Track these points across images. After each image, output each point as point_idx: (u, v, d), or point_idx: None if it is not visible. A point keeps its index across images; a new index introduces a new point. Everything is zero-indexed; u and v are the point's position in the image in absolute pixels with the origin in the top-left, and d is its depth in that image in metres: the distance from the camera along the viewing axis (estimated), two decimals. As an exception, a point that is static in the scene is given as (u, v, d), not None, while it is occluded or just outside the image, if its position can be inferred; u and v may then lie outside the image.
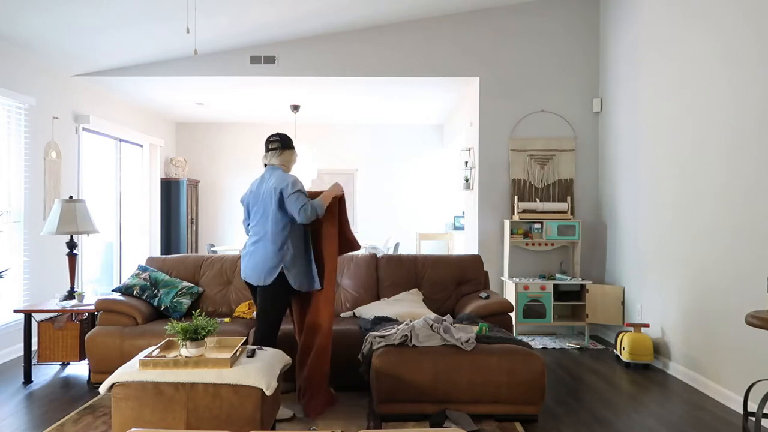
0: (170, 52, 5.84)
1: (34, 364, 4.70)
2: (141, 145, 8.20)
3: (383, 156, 9.55)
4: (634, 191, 5.21)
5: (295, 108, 7.83)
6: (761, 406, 2.56)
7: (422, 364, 3.39)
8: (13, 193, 5.17)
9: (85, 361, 4.60)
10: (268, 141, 3.68)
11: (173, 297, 4.43)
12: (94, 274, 6.86)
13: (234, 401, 2.74)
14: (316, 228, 3.72)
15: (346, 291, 4.71)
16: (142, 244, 8.18)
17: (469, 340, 3.49)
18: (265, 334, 3.53)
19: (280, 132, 3.79)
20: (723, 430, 3.39)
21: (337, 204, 3.70)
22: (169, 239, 8.70)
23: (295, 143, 7.96)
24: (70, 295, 4.53)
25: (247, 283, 3.67)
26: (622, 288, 5.44)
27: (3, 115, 5.06)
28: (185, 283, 4.57)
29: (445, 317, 3.85)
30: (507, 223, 5.84)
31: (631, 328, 4.98)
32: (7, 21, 4.55)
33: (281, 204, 3.49)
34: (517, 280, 5.67)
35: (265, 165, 3.70)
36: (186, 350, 2.85)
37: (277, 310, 3.54)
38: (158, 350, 2.98)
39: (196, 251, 9.29)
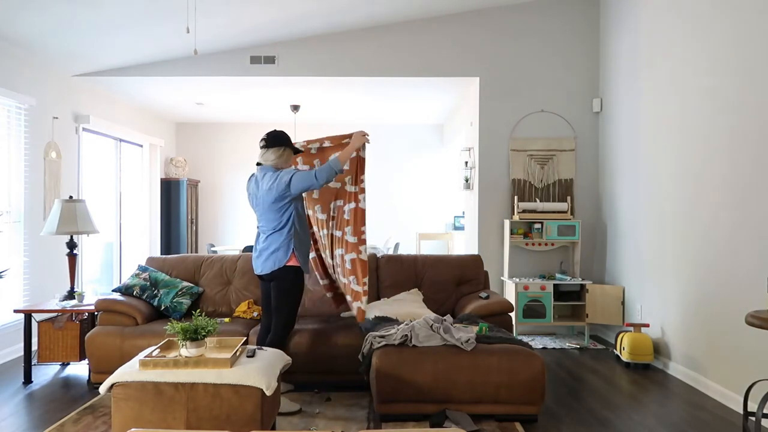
0: (170, 52, 5.84)
1: (34, 364, 4.69)
2: (141, 145, 8.20)
3: (383, 156, 9.54)
4: (634, 191, 5.21)
5: (295, 108, 7.83)
6: (761, 406, 2.56)
7: (422, 364, 3.39)
8: (13, 193, 5.17)
9: (85, 361, 4.60)
10: (261, 140, 3.70)
11: (173, 297, 4.43)
12: (94, 274, 6.86)
13: (234, 401, 2.74)
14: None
15: (346, 291, 4.70)
16: (142, 244, 8.18)
17: (469, 340, 3.49)
18: (289, 319, 3.61)
19: (276, 129, 3.75)
20: (723, 430, 3.39)
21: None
22: (169, 239, 8.70)
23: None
24: (70, 295, 4.53)
25: (261, 279, 3.75)
26: (622, 288, 5.44)
27: (3, 115, 5.06)
28: (185, 283, 4.57)
29: (445, 317, 3.85)
30: (507, 223, 5.84)
31: (631, 328, 4.98)
32: (7, 21, 4.55)
33: (283, 197, 3.52)
34: (517, 280, 5.67)
35: (258, 164, 3.70)
36: (186, 350, 2.85)
37: (295, 298, 3.63)
38: (158, 350, 2.98)
39: (196, 251, 9.29)
